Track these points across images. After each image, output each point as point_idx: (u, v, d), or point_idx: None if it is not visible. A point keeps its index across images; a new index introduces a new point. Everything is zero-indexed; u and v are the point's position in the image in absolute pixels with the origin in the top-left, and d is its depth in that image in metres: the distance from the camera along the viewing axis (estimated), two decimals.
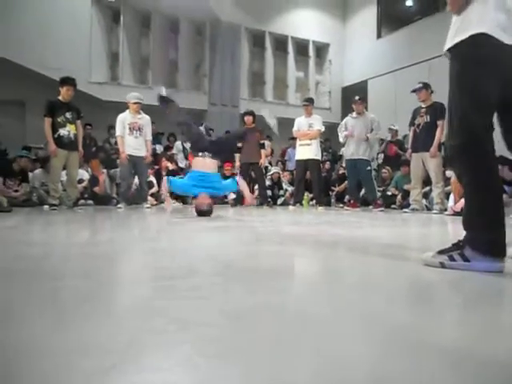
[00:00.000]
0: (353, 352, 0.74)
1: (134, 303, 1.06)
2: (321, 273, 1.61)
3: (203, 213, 4.28)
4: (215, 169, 4.57)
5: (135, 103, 6.20)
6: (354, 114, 6.71)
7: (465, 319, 1.02)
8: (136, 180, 6.68)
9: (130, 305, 1.06)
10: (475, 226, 1.53)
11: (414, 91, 6.16)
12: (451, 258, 1.55)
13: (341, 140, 6.87)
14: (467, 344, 0.80)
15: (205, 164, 4.45)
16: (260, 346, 0.76)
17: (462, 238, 1.59)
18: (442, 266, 1.55)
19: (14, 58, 8.99)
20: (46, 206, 5.67)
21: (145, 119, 6.34)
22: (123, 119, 6.22)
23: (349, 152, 6.66)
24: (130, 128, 6.20)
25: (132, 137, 6.20)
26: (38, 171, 7.04)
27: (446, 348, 0.76)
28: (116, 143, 9.17)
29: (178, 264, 1.63)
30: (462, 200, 5.27)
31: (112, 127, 9.25)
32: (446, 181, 6.34)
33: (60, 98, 5.57)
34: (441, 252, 1.59)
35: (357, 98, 6.75)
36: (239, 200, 7.46)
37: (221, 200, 7.35)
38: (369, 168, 6.55)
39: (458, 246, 1.57)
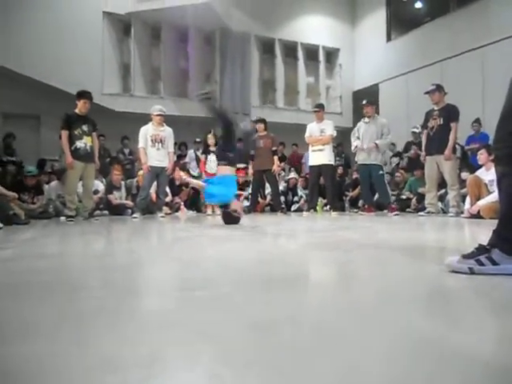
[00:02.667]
0: (376, 364, 0.73)
1: (155, 315, 1.07)
2: (341, 281, 1.60)
3: (231, 221, 4.28)
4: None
5: (158, 115, 6.28)
6: (366, 119, 6.71)
7: (496, 329, 0.99)
8: (151, 190, 6.73)
9: (151, 317, 1.06)
10: None
11: (427, 93, 6.12)
12: (479, 263, 1.49)
13: (352, 149, 6.88)
14: (499, 354, 0.79)
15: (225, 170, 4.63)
16: (281, 357, 0.76)
17: (481, 242, 1.56)
18: (472, 271, 1.49)
19: (27, 72, 9.20)
20: (62, 218, 5.74)
21: (167, 131, 6.42)
22: (146, 131, 6.30)
23: (361, 157, 6.66)
24: (152, 140, 6.27)
25: (154, 149, 6.27)
26: (54, 183, 7.15)
27: (475, 360, 0.75)
28: (130, 153, 9.36)
29: (196, 274, 1.64)
30: (479, 202, 5.20)
31: (125, 138, 9.38)
32: (462, 183, 6.26)
33: (77, 110, 5.67)
34: (466, 257, 1.53)
35: (364, 101, 6.80)
36: (253, 207, 7.48)
37: None
38: (381, 172, 6.52)
39: (482, 249, 1.52)
